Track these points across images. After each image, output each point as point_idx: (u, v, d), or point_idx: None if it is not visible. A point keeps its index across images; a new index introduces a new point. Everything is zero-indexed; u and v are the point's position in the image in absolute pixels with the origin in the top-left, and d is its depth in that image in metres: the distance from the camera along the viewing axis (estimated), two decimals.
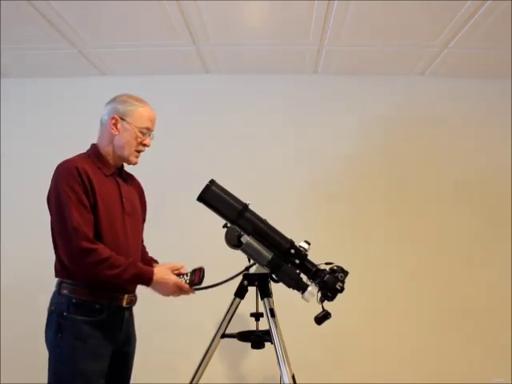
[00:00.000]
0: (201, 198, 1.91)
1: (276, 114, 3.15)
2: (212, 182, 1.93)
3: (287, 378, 1.80)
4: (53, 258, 1.76)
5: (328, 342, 2.89)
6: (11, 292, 3.01)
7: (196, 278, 1.84)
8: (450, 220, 3.04)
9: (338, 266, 1.85)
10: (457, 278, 2.99)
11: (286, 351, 1.87)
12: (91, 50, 2.87)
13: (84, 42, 2.76)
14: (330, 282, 1.81)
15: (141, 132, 1.85)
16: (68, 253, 1.67)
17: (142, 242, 2.03)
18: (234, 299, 1.97)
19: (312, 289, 1.82)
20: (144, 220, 2.05)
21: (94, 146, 1.88)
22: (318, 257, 1.91)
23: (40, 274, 2.95)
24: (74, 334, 1.67)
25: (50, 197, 1.75)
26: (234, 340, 2.02)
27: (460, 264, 3.00)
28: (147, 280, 1.73)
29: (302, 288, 1.84)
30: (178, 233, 2.94)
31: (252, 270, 1.99)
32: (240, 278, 2.01)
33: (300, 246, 1.90)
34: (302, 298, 1.83)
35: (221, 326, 1.98)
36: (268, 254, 1.86)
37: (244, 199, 1.94)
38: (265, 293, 1.96)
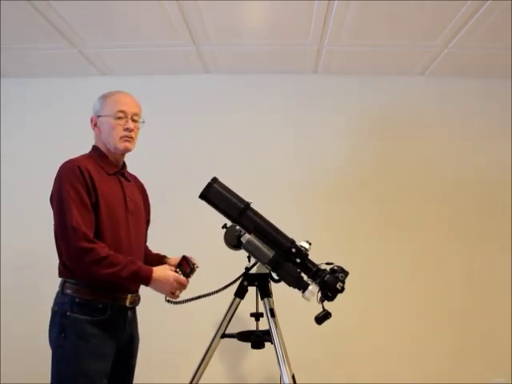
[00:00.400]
0: (203, 196, 1.91)
1: (276, 114, 3.15)
2: (214, 179, 1.93)
3: (287, 378, 1.80)
4: (53, 257, 1.76)
5: (328, 342, 2.89)
6: (11, 292, 3.01)
7: (187, 268, 1.83)
8: (450, 220, 3.04)
9: (338, 266, 1.85)
10: (457, 278, 2.99)
11: (285, 351, 1.87)
12: (91, 50, 2.87)
13: (84, 42, 2.76)
14: (331, 282, 1.81)
15: (118, 118, 1.82)
16: (67, 252, 1.67)
17: (145, 243, 2.03)
18: (234, 299, 1.98)
19: (313, 288, 1.82)
20: (148, 222, 2.05)
21: (94, 147, 1.89)
22: (317, 257, 1.91)
23: (40, 274, 2.96)
24: (77, 334, 1.67)
25: (52, 197, 1.75)
26: (234, 340, 2.02)
27: (460, 264, 3.00)
28: (146, 278, 1.71)
29: (302, 287, 1.84)
30: (178, 233, 2.94)
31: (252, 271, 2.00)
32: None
33: (301, 246, 1.91)
34: (303, 296, 1.83)
35: (221, 326, 1.98)
36: (269, 253, 1.86)
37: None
38: (265, 293, 1.96)
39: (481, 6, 2.32)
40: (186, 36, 2.69)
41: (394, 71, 3.10)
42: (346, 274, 1.83)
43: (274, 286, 2.00)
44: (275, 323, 1.91)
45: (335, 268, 1.84)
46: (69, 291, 1.70)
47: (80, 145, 1.90)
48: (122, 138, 1.82)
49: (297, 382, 1.91)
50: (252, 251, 1.89)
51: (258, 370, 2.92)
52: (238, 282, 1.98)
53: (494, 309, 2.96)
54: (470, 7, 2.33)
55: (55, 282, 1.81)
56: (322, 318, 1.82)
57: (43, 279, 2.91)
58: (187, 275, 1.81)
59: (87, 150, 1.90)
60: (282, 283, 1.96)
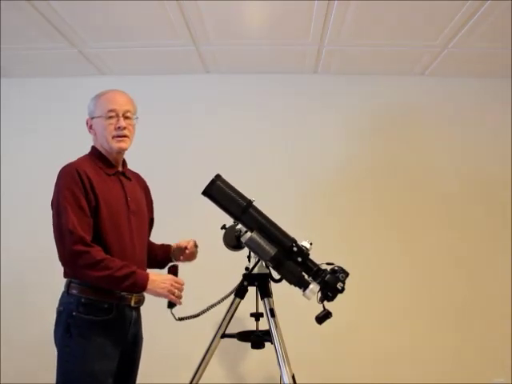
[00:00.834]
0: (206, 193, 1.91)
1: (276, 114, 3.15)
2: (218, 176, 1.94)
3: (287, 378, 1.80)
4: (53, 257, 1.76)
5: (328, 342, 2.89)
6: (11, 292, 3.01)
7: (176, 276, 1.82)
8: (450, 220, 3.04)
9: (339, 267, 1.85)
10: (457, 278, 2.99)
11: (285, 351, 1.87)
12: (91, 50, 2.87)
13: (84, 42, 2.76)
14: (331, 282, 1.81)
15: (109, 118, 1.80)
16: (63, 255, 1.67)
17: (149, 239, 2.02)
18: (234, 299, 1.98)
19: (313, 287, 1.82)
20: (152, 220, 2.05)
21: (93, 148, 1.89)
22: (317, 256, 1.91)
23: (41, 274, 2.96)
24: (83, 334, 1.67)
25: (52, 201, 1.75)
26: (234, 340, 2.02)
27: (460, 264, 3.00)
28: (142, 280, 1.68)
29: (303, 285, 1.84)
30: (178, 233, 2.93)
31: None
32: (240, 277, 2.01)
33: (302, 246, 1.91)
34: (304, 295, 1.83)
35: (221, 326, 1.98)
36: (271, 250, 1.86)
37: None
38: (265, 293, 1.97)
39: (481, 5, 2.32)
40: (185, 36, 2.69)
41: (394, 71, 3.10)
42: (346, 274, 1.83)
43: (273, 285, 2.00)
44: (275, 323, 1.91)
45: (336, 268, 1.85)
46: (74, 291, 1.71)
47: (80, 145, 1.90)
48: (114, 137, 1.80)
49: (297, 381, 1.91)
50: (254, 248, 1.89)
51: (258, 370, 2.92)
52: (236, 282, 1.98)
53: (494, 309, 2.96)
54: (469, 7, 2.33)
55: (56, 282, 1.81)
56: (323, 317, 1.82)
57: (43, 279, 2.92)
58: None
59: (87, 149, 1.90)
60: (282, 283, 1.97)
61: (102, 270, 1.63)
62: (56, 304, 1.76)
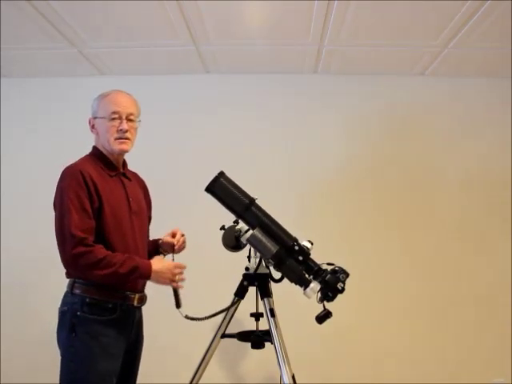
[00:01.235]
0: (209, 189, 1.92)
1: (276, 114, 3.15)
2: (221, 173, 1.94)
3: (287, 378, 1.80)
4: (54, 257, 1.76)
5: (328, 342, 2.89)
6: (11, 292, 3.01)
7: None
8: (450, 220, 3.04)
9: (339, 267, 1.85)
10: (456, 278, 2.99)
11: (285, 351, 1.87)
12: (91, 50, 2.87)
13: (84, 42, 2.76)
14: (331, 282, 1.81)
15: (112, 119, 1.80)
16: (64, 258, 1.68)
17: (148, 238, 2.03)
18: (234, 299, 1.98)
19: (314, 285, 1.82)
20: (150, 218, 2.05)
21: (95, 148, 1.88)
22: (317, 256, 1.92)
23: (41, 274, 2.96)
24: (87, 334, 1.68)
25: (55, 202, 1.75)
26: (234, 340, 2.02)
27: (460, 264, 3.00)
28: (146, 270, 1.71)
29: (304, 284, 1.84)
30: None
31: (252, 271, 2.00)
32: (240, 277, 2.01)
33: (303, 245, 1.91)
34: (304, 294, 1.83)
35: (221, 326, 1.98)
36: (273, 248, 1.86)
37: None
38: (265, 293, 1.97)
39: (481, 5, 2.32)
40: (185, 36, 2.69)
41: (393, 71, 3.10)
42: (346, 275, 1.84)
43: (274, 285, 2.00)
44: (275, 323, 1.91)
45: (336, 269, 1.85)
46: (78, 291, 1.71)
47: (80, 145, 1.90)
48: (116, 139, 1.81)
49: (297, 381, 1.91)
50: (256, 245, 1.89)
51: (258, 370, 2.92)
52: (236, 282, 1.98)
53: (494, 309, 2.96)
54: (469, 7, 2.33)
55: (56, 282, 1.81)
56: (323, 317, 1.83)
57: (43, 279, 2.92)
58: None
59: (87, 149, 1.89)
60: (282, 283, 1.97)
61: (105, 268, 1.64)
62: (56, 304, 1.76)
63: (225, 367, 2.95)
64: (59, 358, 1.72)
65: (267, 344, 1.96)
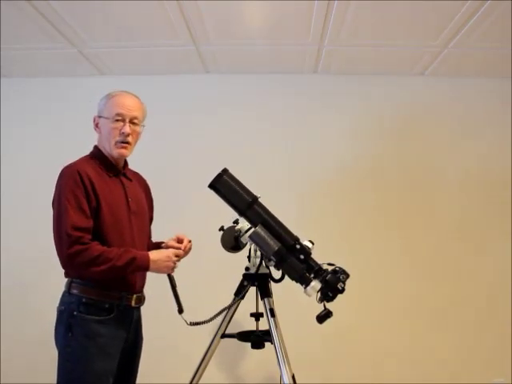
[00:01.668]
0: (212, 186, 1.92)
1: (276, 114, 3.15)
2: (225, 170, 1.95)
3: (287, 378, 1.80)
4: (53, 257, 1.76)
5: (328, 342, 2.89)
6: (11, 292, 3.01)
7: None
8: (450, 220, 3.04)
9: (340, 268, 1.85)
10: (457, 278, 2.99)
11: (285, 351, 1.87)
12: (91, 50, 2.87)
13: (84, 42, 2.76)
14: (332, 282, 1.81)
15: (115, 121, 1.80)
16: (61, 257, 1.68)
17: (150, 238, 2.03)
18: (234, 299, 1.98)
19: (315, 284, 1.82)
20: (151, 218, 2.05)
21: (96, 148, 1.88)
22: (317, 256, 1.92)
23: (41, 274, 2.96)
24: (84, 333, 1.68)
25: (53, 201, 1.75)
26: (234, 340, 2.02)
27: (460, 264, 3.00)
28: (144, 261, 1.72)
29: (305, 282, 1.84)
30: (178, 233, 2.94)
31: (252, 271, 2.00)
32: (240, 277, 2.01)
33: (304, 245, 1.91)
34: (305, 292, 1.83)
35: (221, 326, 1.98)
36: (275, 245, 1.86)
37: None
38: (265, 293, 1.97)
39: (481, 5, 2.32)
40: (185, 36, 2.69)
41: (393, 71, 3.10)
42: (347, 275, 1.84)
43: (274, 285, 2.00)
44: (275, 323, 1.91)
45: (337, 269, 1.85)
46: (75, 291, 1.71)
47: (80, 145, 1.90)
48: (117, 142, 1.80)
49: (297, 381, 1.91)
50: (258, 242, 1.88)
51: (258, 370, 2.92)
52: (236, 282, 1.98)
53: (494, 309, 2.96)
54: (469, 7, 2.33)
55: (56, 282, 1.81)
56: (324, 316, 1.83)
57: (43, 279, 2.92)
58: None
59: (87, 149, 1.89)
60: (283, 283, 1.97)
61: (102, 263, 1.64)
62: (56, 304, 1.77)
63: (225, 367, 2.95)
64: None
65: (267, 344, 1.96)
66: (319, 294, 1.83)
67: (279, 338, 1.89)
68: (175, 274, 1.84)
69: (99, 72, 3.17)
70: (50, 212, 1.75)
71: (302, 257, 1.87)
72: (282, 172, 3.09)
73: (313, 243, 1.92)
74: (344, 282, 1.82)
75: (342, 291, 1.82)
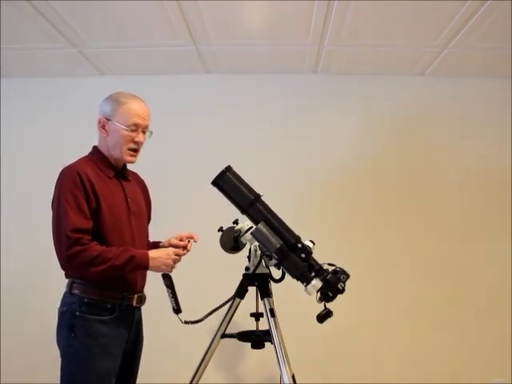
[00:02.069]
0: (215, 183, 1.92)
1: (276, 114, 3.15)
2: (228, 168, 1.95)
3: (287, 378, 1.80)
4: (53, 258, 1.76)
5: (328, 342, 2.89)
6: (11, 292, 3.01)
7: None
8: (449, 220, 3.04)
9: (340, 268, 1.85)
10: (456, 278, 2.99)
11: (285, 351, 1.87)
12: (91, 50, 2.87)
13: (84, 42, 2.76)
14: (332, 282, 1.81)
15: (130, 130, 1.80)
16: (60, 258, 1.68)
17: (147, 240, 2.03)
18: (234, 299, 1.98)
19: (316, 282, 1.82)
20: (149, 218, 2.05)
21: (95, 149, 1.88)
22: (318, 256, 1.92)
23: (41, 275, 2.96)
24: (86, 334, 1.68)
25: (53, 202, 1.75)
26: (234, 340, 2.02)
27: (460, 264, 3.00)
28: (143, 259, 1.72)
29: (306, 280, 1.84)
30: (177, 233, 2.93)
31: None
32: (240, 277, 2.01)
33: (305, 244, 1.91)
34: (305, 290, 1.83)
35: (221, 326, 1.98)
36: (277, 242, 1.86)
37: None
38: (265, 293, 1.97)
39: (481, 5, 2.32)
40: (185, 36, 2.69)
41: (394, 71, 3.10)
42: (347, 276, 1.84)
43: (273, 285, 2.00)
44: (275, 323, 1.91)
45: (337, 269, 1.85)
46: (77, 291, 1.71)
47: (80, 145, 1.90)
48: (128, 150, 1.82)
49: (297, 381, 1.91)
50: (260, 239, 1.88)
51: (258, 370, 2.92)
52: (236, 282, 1.98)
53: (494, 309, 2.96)
54: (469, 7, 2.33)
55: (56, 282, 1.81)
56: (324, 316, 1.82)
57: (43, 279, 2.92)
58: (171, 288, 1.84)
59: (87, 149, 1.89)
60: (283, 283, 1.97)
61: (101, 263, 1.65)
62: (56, 304, 1.77)
63: (225, 367, 2.95)
64: (59, 358, 1.72)
65: (267, 344, 1.96)
66: (319, 293, 1.83)
67: (279, 338, 1.89)
68: (174, 275, 1.84)
69: (99, 72, 3.17)
70: (50, 212, 1.75)
71: (303, 256, 1.87)
72: (282, 172, 3.09)
73: (314, 243, 1.93)
74: (344, 282, 1.82)
75: (342, 291, 1.82)
